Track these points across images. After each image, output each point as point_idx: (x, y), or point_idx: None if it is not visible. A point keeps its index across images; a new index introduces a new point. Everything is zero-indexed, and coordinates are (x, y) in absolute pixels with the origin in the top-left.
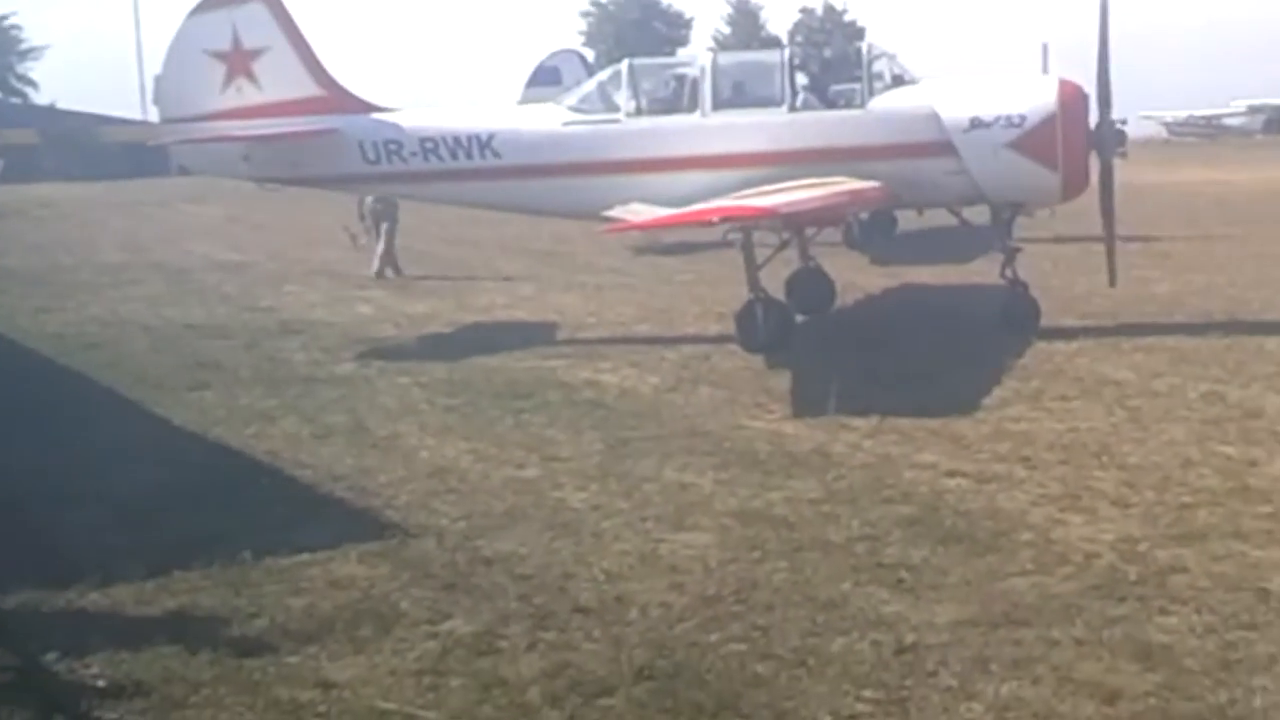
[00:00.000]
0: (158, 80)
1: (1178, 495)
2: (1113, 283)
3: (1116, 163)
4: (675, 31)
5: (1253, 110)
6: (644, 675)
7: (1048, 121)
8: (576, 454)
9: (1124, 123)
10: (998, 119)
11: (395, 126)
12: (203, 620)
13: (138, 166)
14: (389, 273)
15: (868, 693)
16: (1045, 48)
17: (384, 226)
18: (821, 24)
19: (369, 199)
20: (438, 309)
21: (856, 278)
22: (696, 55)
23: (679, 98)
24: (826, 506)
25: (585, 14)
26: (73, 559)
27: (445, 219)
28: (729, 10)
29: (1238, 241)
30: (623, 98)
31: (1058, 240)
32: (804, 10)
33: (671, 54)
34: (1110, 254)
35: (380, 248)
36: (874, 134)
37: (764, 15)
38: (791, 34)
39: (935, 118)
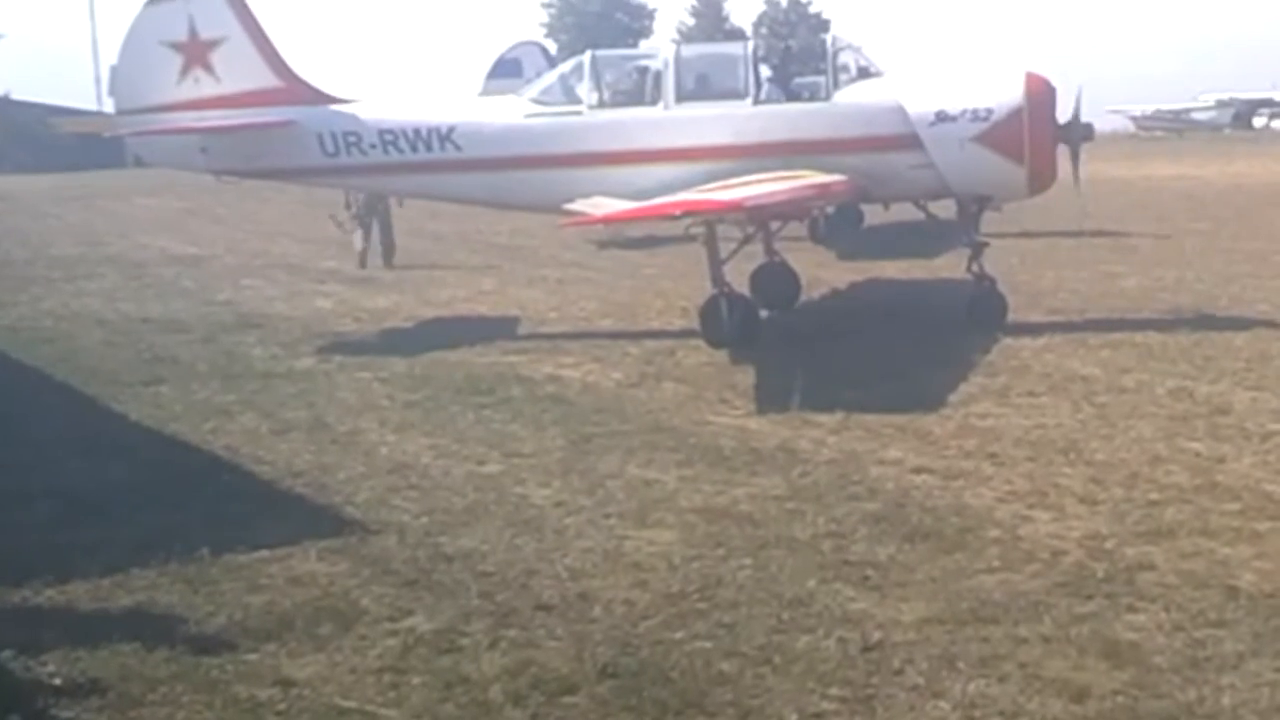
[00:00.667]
0: (113, 71)
1: (1146, 492)
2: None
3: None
4: (638, 23)
5: (1221, 104)
6: (607, 673)
7: (1014, 115)
8: (539, 450)
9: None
10: (964, 112)
11: (354, 118)
12: (160, 618)
13: (93, 158)
14: (377, 261)
15: (833, 691)
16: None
17: (374, 219)
18: (786, 16)
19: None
20: (398, 303)
21: (822, 272)
22: (659, 47)
23: (642, 90)
24: (792, 503)
25: (547, 5)
26: (28, 556)
27: (405, 212)
28: (692, 2)
29: (1206, 236)
30: (585, 90)
31: (1025, 235)
32: (768, 2)
33: (634, 46)
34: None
35: (360, 244)
36: (839, 127)
37: (728, 7)
38: (756, 26)
39: (901, 111)
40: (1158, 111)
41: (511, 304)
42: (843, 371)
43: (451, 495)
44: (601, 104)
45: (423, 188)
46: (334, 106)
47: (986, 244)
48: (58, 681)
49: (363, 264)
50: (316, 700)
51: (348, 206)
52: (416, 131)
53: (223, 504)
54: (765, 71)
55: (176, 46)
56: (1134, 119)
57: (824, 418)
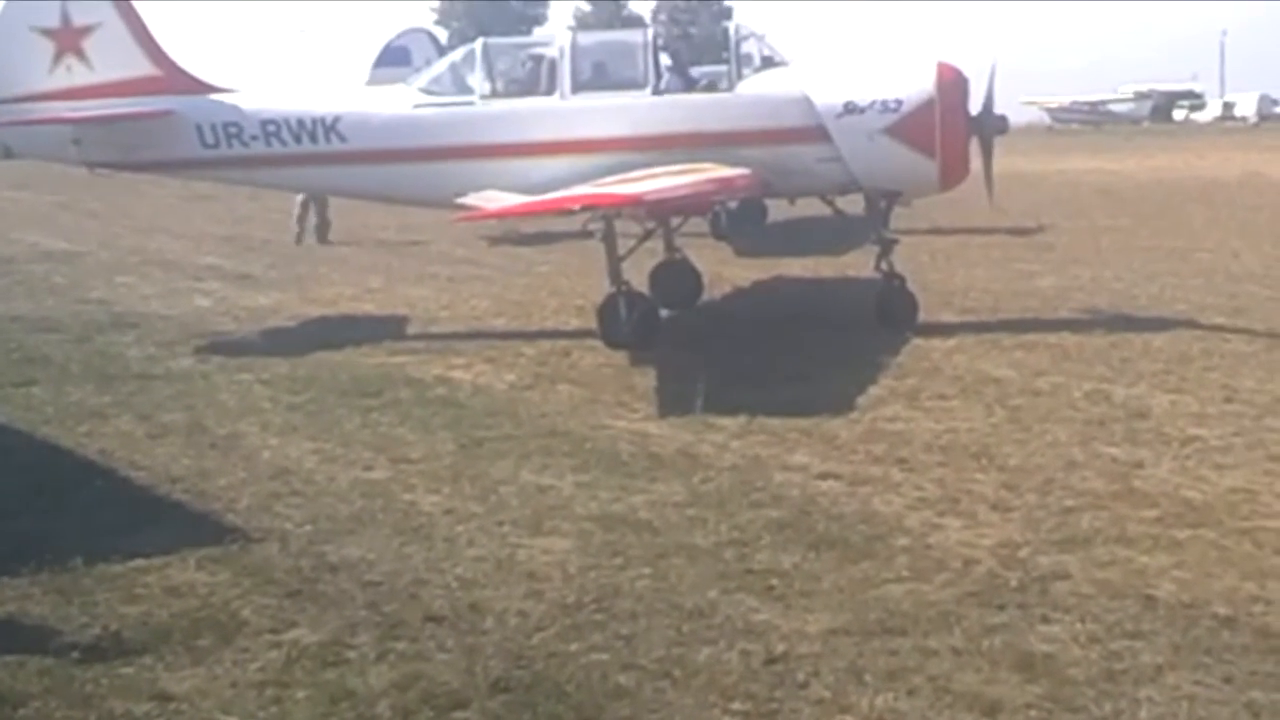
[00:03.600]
0: None
1: (1060, 498)
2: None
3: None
4: (533, 9)
5: (1140, 96)
6: (500, 687)
7: (925, 106)
8: (428, 455)
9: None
10: (873, 104)
11: (235, 108)
12: (32, 629)
13: None
14: (311, 239)
15: (736, 705)
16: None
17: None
18: (686, 2)
19: None
20: (280, 301)
21: (724, 270)
22: (555, 35)
23: (536, 79)
24: (692, 510)
25: None
26: None
27: (288, 207)
28: None
29: (1124, 233)
30: (476, 79)
31: (936, 232)
32: None
33: (528, 33)
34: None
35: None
36: (743, 118)
37: None
38: (655, 13)
39: (807, 102)
40: (1074, 103)
41: (400, 302)
42: (746, 373)
43: (336, 502)
44: (494, 94)
45: (307, 181)
46: (214, 96)
47: (896, 241)
48: None
49: (299, 240)
50: (195, 715)
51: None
52: (300, 122)
53: (97, 511)
54: (665, 60)
55: (48, 33)
56: (1049, 111)
57: (726, 421)
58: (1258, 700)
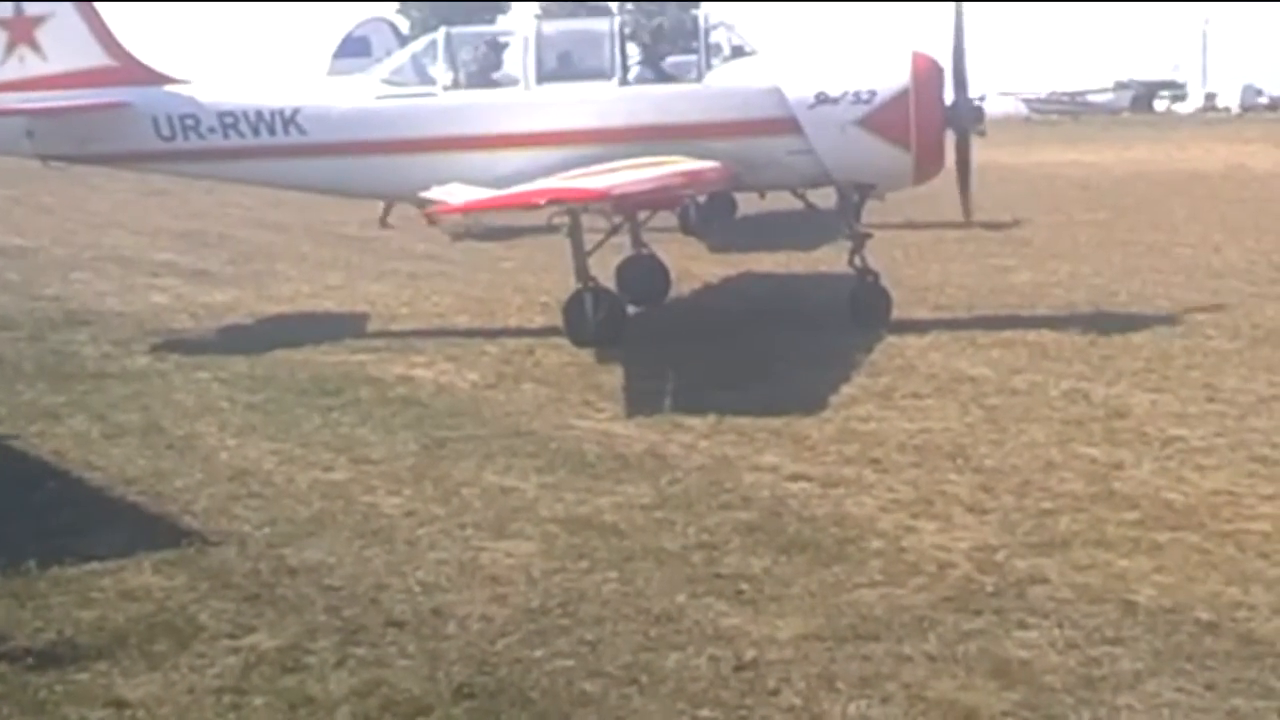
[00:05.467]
0: None
1: (1038, 500)
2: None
3: (975, 142)
4: None
5: (1120, 86)
6: (463, 694)
7: (899, 98)
8: (389, 455)
9: (982, 99)
10: (845, 95)
11: (192, 100)
12: None
13: None
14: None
15: (704, 712)
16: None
17: None
18: None
19: None
20: (238, 298)
21: (693, 266)
22: (519, 24)
23: (500, 70)
24: (660, 512)
25: None
26: None
27: (247, 200)
28: None
29: (1103, 227)
30: (439, 70)
31: (910, 226)
32: None
33: (492, 22)
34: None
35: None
36: (712, 110)
37: None
38: (622, 1)
39: (778, 93)
40: (1052, 94)
41: (360, 300)
42: (715, 372)
43: (296, 504)
44: (457, 85)
45: (265, 174)
46: (170, 87)
47: (869, 235)
48: None
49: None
50: None
51: None
52: (258, 114)
53: (51, 513)
54: (633, 50)
55: (0, 24)
56: (1027, 102)
57: (695, 421)
58: (1240, 708)
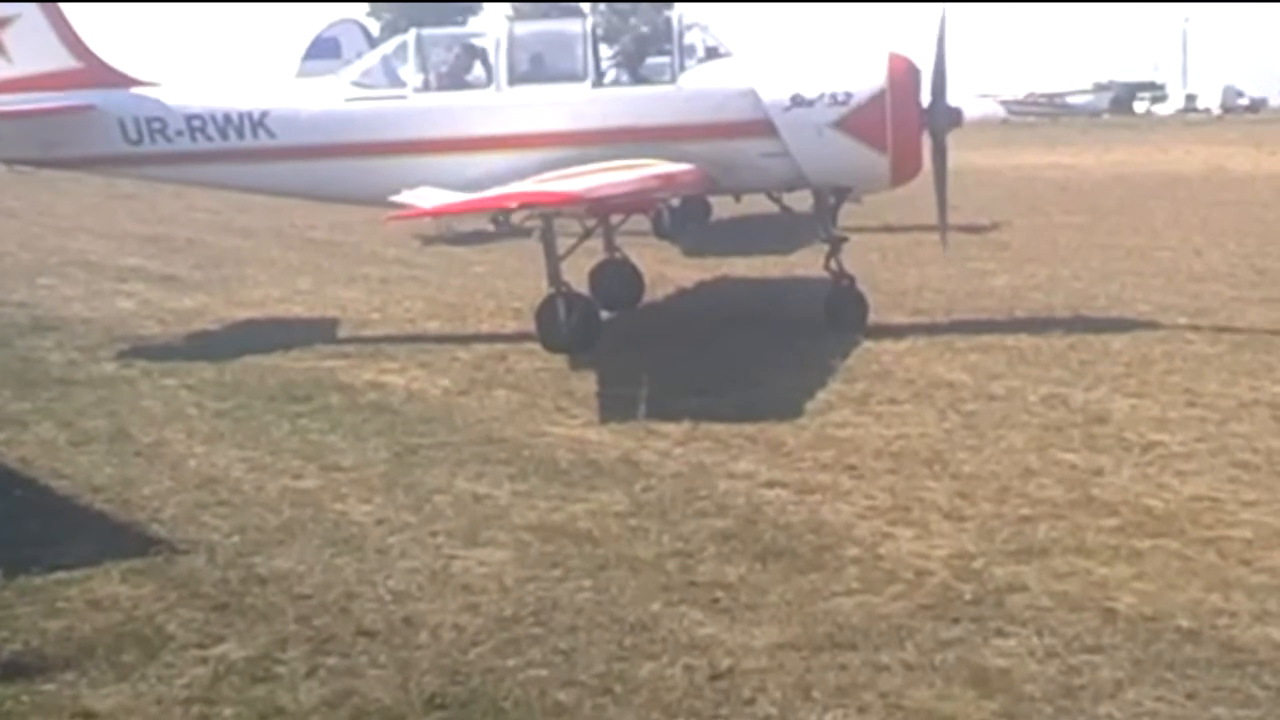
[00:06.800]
0: None
1: (1016, 507)
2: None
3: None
4: None
5: (1099, 87)
6: (435, 704)
7: (876, 99)
8: (360, 463)
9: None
10: (821, 96)
11: (159, 103)
12: None
13: None
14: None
15: None
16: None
17: None
18: None
19: None
20: (206, 304)
21: (667, 270)
22: (491, 25)
23: (471, 72)
24: (634, 520)
25: None
26: None
27: (215, 204)
28: None
29: (1083, 230)
30: (409, 72)
31: (887, 229)
32: None
33: (463, 23)
34: (943, 219)
35: None
36: (686, 112)
37: None
38: (595, 2)
39: (753, 95)
40: (1030, 95)
41: (330, 305)
42: (690, 378)
43: (265, 512)
44: (428, 87)
45: (233, 178)
46: (137, 90)
47: (845, 239)
48: None
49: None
50: None
51: None
52: (227, 117)
53: (16, 521)
54: (606, 52)
55: None
56: (1005, 104)
57: (669, 428)
58: (1222, 717)
